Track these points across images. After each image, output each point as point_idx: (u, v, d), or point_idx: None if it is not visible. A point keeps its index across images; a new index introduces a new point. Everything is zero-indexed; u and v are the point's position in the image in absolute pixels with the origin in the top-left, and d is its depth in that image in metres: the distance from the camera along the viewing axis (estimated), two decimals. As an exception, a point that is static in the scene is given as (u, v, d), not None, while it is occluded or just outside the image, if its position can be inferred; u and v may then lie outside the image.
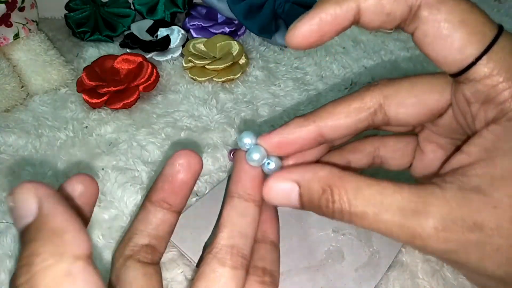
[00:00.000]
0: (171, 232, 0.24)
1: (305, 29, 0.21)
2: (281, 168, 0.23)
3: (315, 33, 0.21)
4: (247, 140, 0.23)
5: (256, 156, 0.23)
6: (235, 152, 0.33)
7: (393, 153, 0.27)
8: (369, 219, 0.19)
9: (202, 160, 0.23)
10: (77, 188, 0.23)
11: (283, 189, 0.21)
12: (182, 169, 0.22)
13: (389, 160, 0.27)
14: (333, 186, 0.20)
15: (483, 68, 0.19)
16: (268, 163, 0.23)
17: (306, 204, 0.21)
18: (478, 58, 0.19)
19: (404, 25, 0.20)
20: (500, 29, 0.19)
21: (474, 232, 0.18)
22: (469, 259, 0.18)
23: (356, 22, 0.20)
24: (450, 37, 0.19)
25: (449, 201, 0.18)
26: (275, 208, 0.25)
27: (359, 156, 0.27)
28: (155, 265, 0.22)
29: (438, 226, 0.18)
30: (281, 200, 0.21)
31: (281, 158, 0.24)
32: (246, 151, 0.23)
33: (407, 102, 0.22)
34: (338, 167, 0.21)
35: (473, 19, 0.19)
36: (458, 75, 0.20)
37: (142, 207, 0.23)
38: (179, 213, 0.24)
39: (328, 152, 0.27)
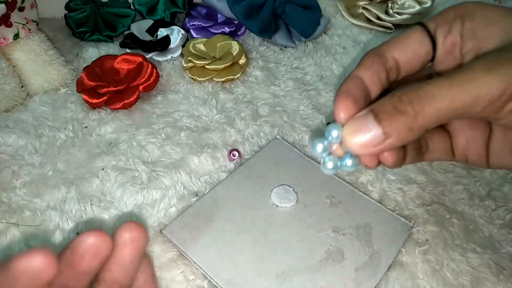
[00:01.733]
0: None
1: (341, 109, 0.23)
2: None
3: (351, 99, 0.23)
4: (335, 133, 0.23)
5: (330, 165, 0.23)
6: (234, 153, 0.33)
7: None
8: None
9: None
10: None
11: (359, 125, 0.21)
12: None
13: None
14: (397, 93, 0.21)
15: None
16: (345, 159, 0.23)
17: (384, 121, 0.21)
18: None
19: None
20: None
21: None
22: None
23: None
24: None
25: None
26: None
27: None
28: None
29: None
30: (364, 138, 0.21)
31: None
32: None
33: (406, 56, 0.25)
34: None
35: None
36: None
37: None
38: None
39: None
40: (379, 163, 0.26)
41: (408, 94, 0.21)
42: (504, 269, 0.31)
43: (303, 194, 0.33)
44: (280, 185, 0.33)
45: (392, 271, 0.30)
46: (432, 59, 0.26)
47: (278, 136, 0.35)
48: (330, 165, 0.24)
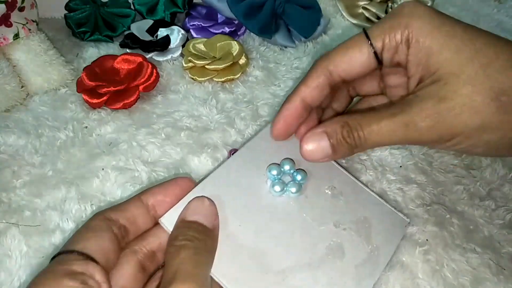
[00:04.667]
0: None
1: (277, 126, 0.30)
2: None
3: (284, 125, 0.30)
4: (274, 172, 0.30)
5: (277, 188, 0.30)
6: (234, 153, 0.32)
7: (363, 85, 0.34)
8: (376, 139, 0.27)
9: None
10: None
11: (315, 141, 0.28)
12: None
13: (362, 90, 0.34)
14: (347, 121, 0.27)
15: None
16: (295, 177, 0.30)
17: (335, 145, 0.27)
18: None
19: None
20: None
21: (444, 102, 0.25)
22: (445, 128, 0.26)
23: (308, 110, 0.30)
24: None
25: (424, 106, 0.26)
26: None
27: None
28: None
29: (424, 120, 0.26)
30: (317, 153, 0.28)
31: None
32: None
33: (346, 66, 0.29)
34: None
35: None
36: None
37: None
38: None
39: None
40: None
41: (354, 130, 0.27)
42: (504, 269, 0.31)
43: (304, 183, 0.32)
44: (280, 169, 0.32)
45: (392, 271, 0.30)
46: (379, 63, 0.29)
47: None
48: (277, 188, 0.29)
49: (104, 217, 0.25)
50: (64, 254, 0.23)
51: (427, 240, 0.32)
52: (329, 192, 0.32)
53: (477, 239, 0.32)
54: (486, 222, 0.33)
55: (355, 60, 0.28)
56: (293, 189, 0.30)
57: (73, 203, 0.34)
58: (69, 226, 0.32)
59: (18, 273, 0.30)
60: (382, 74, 0.32)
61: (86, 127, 0.40)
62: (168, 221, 0.27)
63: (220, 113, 0.41)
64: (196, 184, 0.29)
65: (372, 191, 0.33)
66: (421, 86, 0.27)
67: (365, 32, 0.28)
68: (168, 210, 0.27)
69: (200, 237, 0.25)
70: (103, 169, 0.36)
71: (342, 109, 0.34)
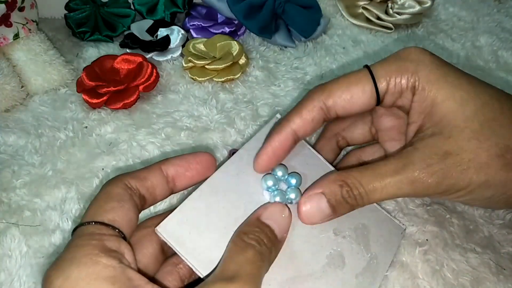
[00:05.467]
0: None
1: (264, 158, 0.28)
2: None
3: (272, 158, 0.28)
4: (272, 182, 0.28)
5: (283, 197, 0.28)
6: (234, 153, 0.32)
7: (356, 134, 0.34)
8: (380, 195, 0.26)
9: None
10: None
11: (314, 203, 0.26)
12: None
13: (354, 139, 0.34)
14: (346, 180, 0.26)
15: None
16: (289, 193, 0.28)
17: (335, 205, 0.26)
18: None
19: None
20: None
21: (450, 157, 0.25)
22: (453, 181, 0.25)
23: (296, 141, 0.28)
24: None
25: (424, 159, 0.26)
26: None
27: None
28: None
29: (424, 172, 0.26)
30: (316, 215, 0.27)
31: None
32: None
33: (345, 102, 0.28)
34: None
35: None
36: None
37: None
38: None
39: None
40: None
41: (353, 190, 0.26)
42: (504, 269, 0.30)
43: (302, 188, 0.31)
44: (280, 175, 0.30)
45: (392, 271, 0.30)
46: (376, 104, 0.29)
47: (278, 115, 0.32)
48: (278, 199, 0.28)
49: (125, 185, 0.23)
50: (91, 226, 0.21)
51: (427, 240, 0.32)
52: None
53: (477, 239, 0.32)
54: (486, 222, 0.33)
55: (357, 98, 0.27)
56: (292, 195, 0.28)
57: (73, 203, 0.34)
58: (69, 226, 0.32)
59: (18, 273, 0.30)
60: (374, 117, 0.32)
61: (86, 127, 0.40)
62: (164, 231, 0.24)
63: (220, 113, 0.41)
64: (196, 186, 0.27)
65: None
66: (422, 136, 0.27)
67: (369, 70, 0.27)
68: (165, 218, 0.24)
69: (268, 244, 0.24)
70: (103, 169, 0.36)
71: (330, 160, 0.33)
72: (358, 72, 0.28)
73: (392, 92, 0.27)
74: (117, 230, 0.21)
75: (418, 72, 0.26)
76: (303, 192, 0.28)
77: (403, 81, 0.27)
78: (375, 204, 0.32)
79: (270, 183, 0.28)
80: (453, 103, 0.25)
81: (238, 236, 0.24)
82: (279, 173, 0.29)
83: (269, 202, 0.28)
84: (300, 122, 0.27)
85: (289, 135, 0.27)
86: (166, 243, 0.24)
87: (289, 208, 0.26)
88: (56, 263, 0.20)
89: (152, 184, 0.24)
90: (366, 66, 0.28)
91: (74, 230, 0.21)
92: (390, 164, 0.26)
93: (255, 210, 0.27)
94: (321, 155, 0.32)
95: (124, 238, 0.21)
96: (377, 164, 0.27)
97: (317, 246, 0.29)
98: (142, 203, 0.24)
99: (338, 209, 0.26)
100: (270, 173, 0.29)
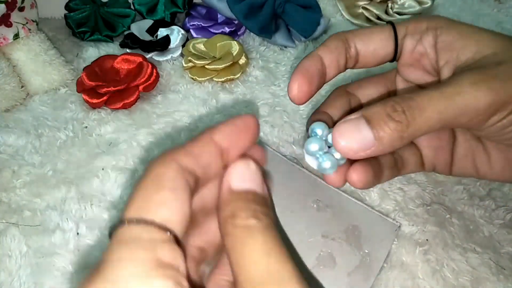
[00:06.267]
0: None
1: (300, 81, 0.25)
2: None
3: (308, 81, 0.25)
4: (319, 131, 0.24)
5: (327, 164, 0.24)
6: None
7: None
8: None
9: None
10: None
11: (352, 129, 0.21)
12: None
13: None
14: (390, 99, 0.22)
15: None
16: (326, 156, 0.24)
17: (379, 130, 0.21)
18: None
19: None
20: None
21: (500, 65, 0.22)
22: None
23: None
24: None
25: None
26: None
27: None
28: None
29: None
30: (355, 143, 0.21)
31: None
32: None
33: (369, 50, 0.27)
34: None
35: None
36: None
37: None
38: None
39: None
40: (345, 182, 0.26)
41: (401, 103, 0.21)
42: (504, 269, 0.31)
43: (289, 199, 0.32)
44: None
45: (392, 271, 0.30)
46: (393, 59, 0.28)
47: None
48: (327, 164, 0.24)
49: (178, 166, 0.18)
50: (139, 226, 0.16)
51: (427, 240, 0.32)
52: (315, 206, 0.32)
53: (477, 239, 0.32)
54: (486, 222, 0.33)
55: (375, 36, 0.27)
56: (338, 155, 0.24)
57: (73, 203, 0.34)
58: (69, 226, 0.32)
59: (18, 273, 0.30)
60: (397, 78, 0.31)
61: (86, 127, 0.40)
62: None
63: (220, 113, 0.41)
64: None
65: (359, 200, 0.33)
66: (464, 66, 0.24)
67: (390, 22, 0.28)
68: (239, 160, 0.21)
69: (266, 211, 0.19)
70: (103, 169, 0.36)
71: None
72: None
73: (412, 33, 0.27)
74: (169, 233, 0.16)
75: (438, 18, 0.26)
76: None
77: (423, 25, 0.27)
78: (365, 206, 0.32)
79: (315, 147, 0.23)
80: (484, 32, 0.25)
81: (225, 222, 0.18)
82: (319, 131, 0.24)
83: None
84: (325, 48, 0.27)
85: (317, 59, 0.26)
86: None
87: (253, 162, 0.21)
88: (94, 281, 0.15)
89: (207, 161, 0.19)
90: (388, 22, 0.28)
91: (113, 229, 0.16)
92: (441, 83, 0.23)
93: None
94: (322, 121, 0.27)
95: (177, 241, 0.17)
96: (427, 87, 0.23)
97: (306, 249, 0.29)
98: (196, 187, 0.19)
99: (383, 135, 0.21)
100: (312, 135, 0.24)
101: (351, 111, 0.28)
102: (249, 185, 0.19)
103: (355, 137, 0.21)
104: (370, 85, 0.30)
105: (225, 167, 0.20)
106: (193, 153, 0.19)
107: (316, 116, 0.28)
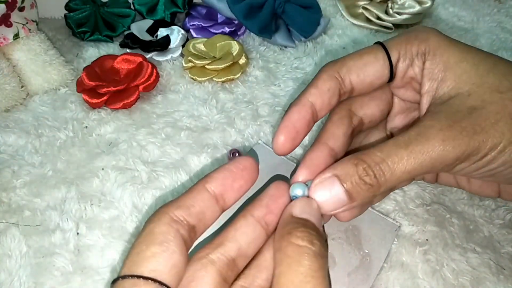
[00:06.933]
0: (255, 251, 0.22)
1: (285, 134, 0.25)
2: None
3: (293, 134, 0.25)
4: (299, 192, 0.24)
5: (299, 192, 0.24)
6: (234, 153, 0.32)
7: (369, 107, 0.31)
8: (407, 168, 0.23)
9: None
10: None
11: (326, 189, 0.23)
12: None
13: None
14: (361, 157, 0.23)
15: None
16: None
17: (350, 189, 0.23)
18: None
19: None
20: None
21: (475, 112, 0.23)
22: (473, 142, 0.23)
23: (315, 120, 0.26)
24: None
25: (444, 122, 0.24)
26: None
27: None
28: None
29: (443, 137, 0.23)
30: (330, 202, 0.23)
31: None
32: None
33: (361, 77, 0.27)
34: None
35: None
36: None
37: (242, 216, 0.22)
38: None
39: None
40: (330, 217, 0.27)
41: (373, 168, 0.23)
42: (504, 269, 0.31)
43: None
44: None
45: (392, 271, 0.30)
46: (390, 79, 0.28)
47: (260, 142, 0.34)
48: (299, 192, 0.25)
49: (170, 219, 0.20)
50: (128, 280, 0.18)
51: (427, 240, 0.32)
52: None
53: (477, 239, 0.32)
54: (486, 222, 0.33)
55: (370, 66, 0.27)
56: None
57: (73, 203, 0.34)
58: (69, 226, 0.32)
59: (18, 273, 0.30)
60: (394, 98, 0.31)
61: (86, 127, 0.40)
62: None
63: (220, 113, 0.41)
64: None
65: None
66: (439, 102, 0.25)
67: (380, 43, 0.28)
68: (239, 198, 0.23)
69: (319, 242, 0.20)
70: (103, 169, 0.36)
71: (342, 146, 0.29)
72: (369, 46, 0.28)
73: (403, 59, 0.27)
74: (157, 282, 0.18)
75: (428, 40, 0.27)
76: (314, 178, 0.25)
77: (414, 48, 0.27)
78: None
79: (299, 192, 0.24)
80: (466, 64, 0.25)
81: (282, 238, 0.20)
82: (299, 191, 0.25)
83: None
84: (316, 92, 0.26)
85: (307, 107, 0.26)
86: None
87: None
88: None
89: (201, 209, 0.21)
90: (377, 42, 0.28)
91: (111, 285, 0.19)
92: (412, 131, 0.23)
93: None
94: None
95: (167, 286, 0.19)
96: (395, 138, 0.24)
97: None
98: (192, 234, 0.21)
99: (355, 193, 0.23)
100: (292, 199, 0.25)
101: (352, 134, 0.28)
102: (308, 217, 0.22)
103: (329, 199, 0.23)
104: (371, 102, 0.29)
105: (223, 210, 0.23)
106: (186, 205, 0.21)
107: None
